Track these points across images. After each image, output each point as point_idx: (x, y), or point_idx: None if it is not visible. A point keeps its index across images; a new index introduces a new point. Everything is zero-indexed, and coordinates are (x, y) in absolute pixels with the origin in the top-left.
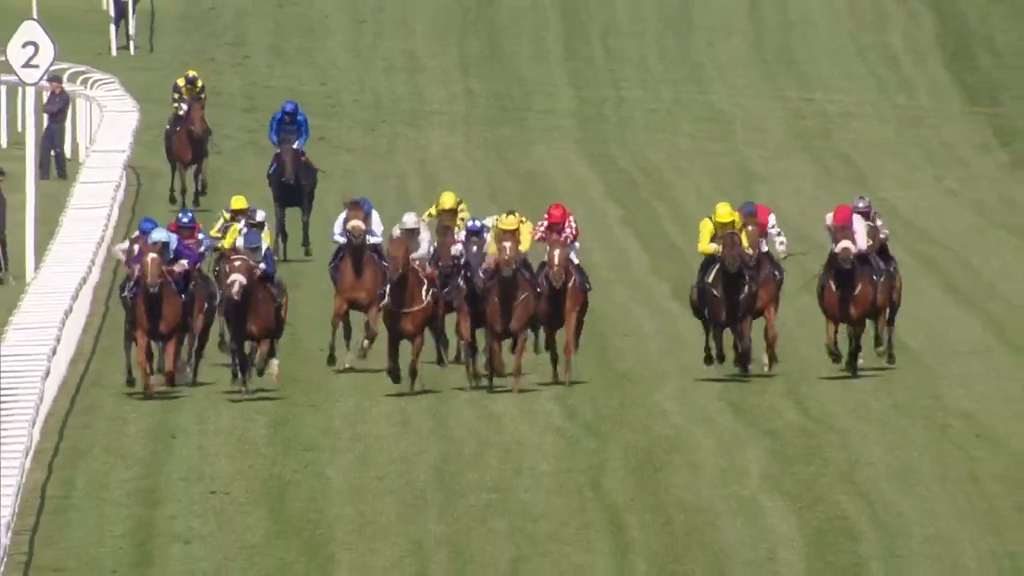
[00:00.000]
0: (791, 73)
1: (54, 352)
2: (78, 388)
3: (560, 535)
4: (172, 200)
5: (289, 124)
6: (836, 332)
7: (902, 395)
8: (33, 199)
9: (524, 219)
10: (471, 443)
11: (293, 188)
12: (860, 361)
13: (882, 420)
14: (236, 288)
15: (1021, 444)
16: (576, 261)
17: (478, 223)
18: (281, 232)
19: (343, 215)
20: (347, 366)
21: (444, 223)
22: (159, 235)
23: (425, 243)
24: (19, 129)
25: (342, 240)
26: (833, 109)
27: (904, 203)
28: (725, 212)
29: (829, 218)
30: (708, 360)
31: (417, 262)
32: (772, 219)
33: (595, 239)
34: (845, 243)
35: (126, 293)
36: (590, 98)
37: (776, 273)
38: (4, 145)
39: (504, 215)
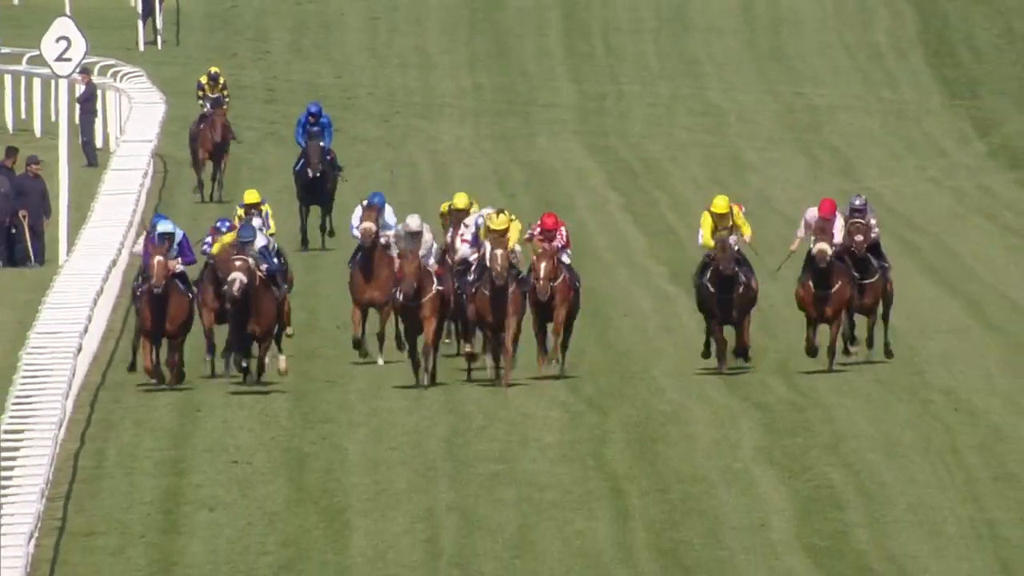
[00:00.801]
0: (782, 69)
1: (86, 330)
2: (108, 364)
3: (564, 503)
4: (201, 186)
5: (313, 125)
6: (815, 332)
7: (885, 372)
8: (66, 186)
9: (513, 217)
10: (479, 417)
11: (316, 183)
12: (842, 355)
13: (867, 395)
14: (237, 286)
15: (998, 418)
16: (567, 261)
17: (489, 210)
18: (303, 226)
19: (359, 211)
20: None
21: (455, 222)
22: (165, 227)
23: (428, 245)
24: (52, 119)
25: (358, 236)
26: (822, 103)
27: (888, 191)
28: (721, 204)
29: (812, 212)
30: (707, 354)
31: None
32: (741, 212)
33: (596, 225)
34: (822, 245)
35: (137, 290)
36: (591, 93)
37: (740, 274)
38: (39, 135)
39: (494, 214)
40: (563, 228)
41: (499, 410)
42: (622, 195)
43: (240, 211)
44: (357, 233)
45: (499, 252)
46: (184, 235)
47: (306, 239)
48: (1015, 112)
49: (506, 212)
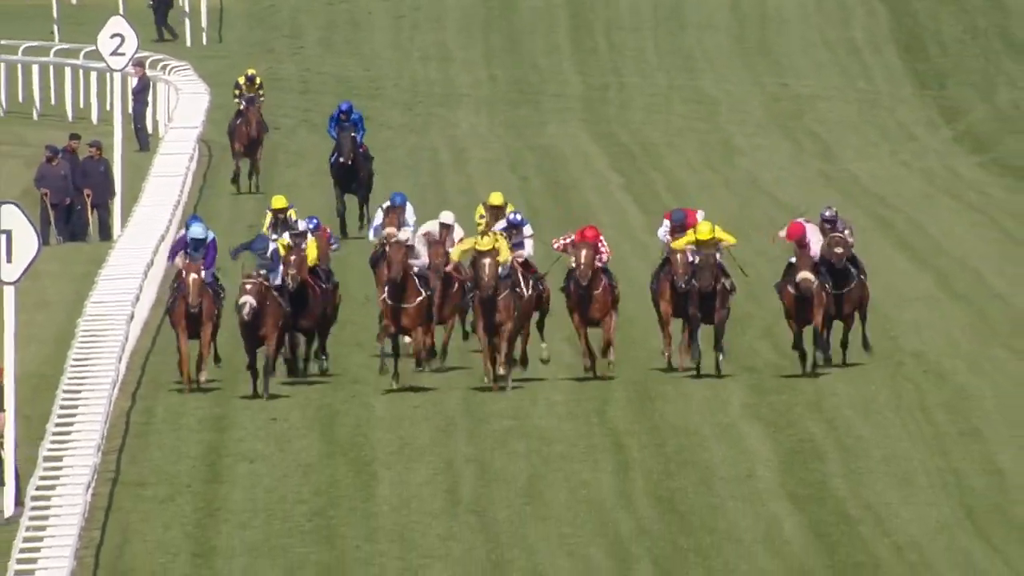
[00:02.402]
0: (768, 62)
1: (137, 299)
2: (158, 330)
3: (570, 455)
4: (237, 177)
5: (345, 122)
6: (801, 333)
7: (862, 337)
8: (120, 168)
9: (500, 236)
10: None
11: (350, 172)
12: (827, 357)
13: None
14: (247, 311)
15: (963, 379)
16: (605, 259)
17: (518, 216)
18: (341, 212)
19: (380, 217)
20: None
21: (492, 219)
22: (197, 231)
23: (423, 256)
24: (108, 108)
25: (376, 241)
26: (804, 93)
27: (864, 173)
28: (705, 230)
29: (782, 233)
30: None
31: (416, 269)
32: (701, 215)
33: (600, 204)
34: (805, 274)
35: (171, 300)
36: (595, 84)
37: (726, 284)
38: (95, 122)
39: (480, 237)
40: (602, 239)
41: (512, 372)
42: (623, 176)
43: (269, 214)
44: (373, 237)
45: (487, 261)
46: (214, 238)
47: (344, 227)
48: (978, 101)
49: (492, 234)
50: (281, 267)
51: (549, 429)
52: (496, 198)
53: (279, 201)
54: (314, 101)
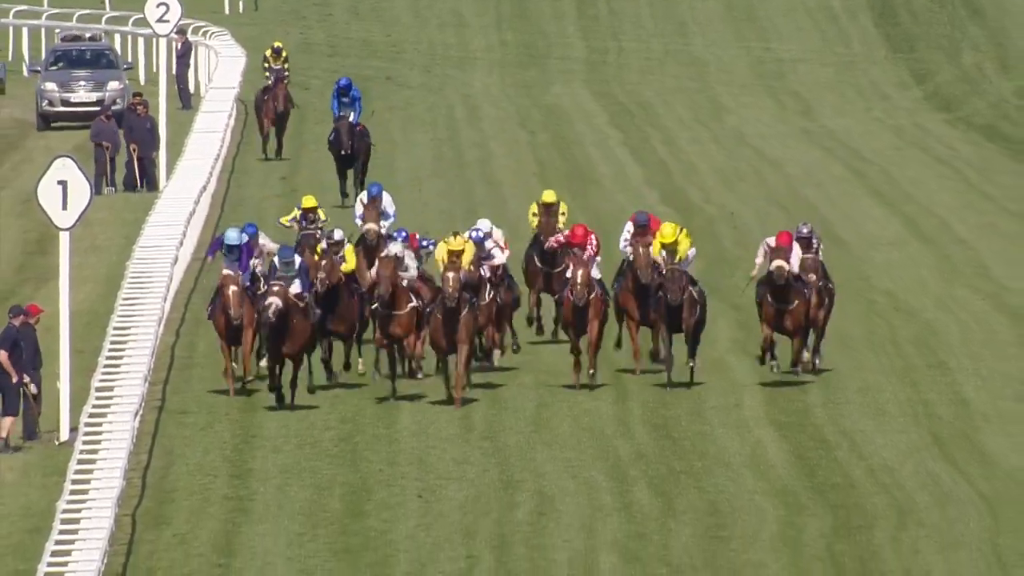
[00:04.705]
0: (754, 28)
1: (181, 244)
2: (200, 271)
3: (573, 386)
4: (266, 144)
5: (344, 97)
6: (772, 338)
7: (838, 277)
8: (164, 125)
9: (468, 239)
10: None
11: (348, 157)
12: (799, 367)
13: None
14: (273, 310)
15: (930, 315)
16: (598, 276)
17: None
18: (343, 188)
19: (359, 208)
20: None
21: (545, 215)
22: (231, 235)
23: (412, 268)
24: (154, 70)
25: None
26: (786, 56)
27: (840, 129)
28: (669, 232)
29: (771, 241)
30: (654, 357)
31: (406, 282)
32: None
33: (600, 157)
34: (779, 262)
35: (210, 307)
36: (597, 48)
37: (694, 293)
38: (143, 83)
39: (452, 236)
40: (593, 237)
41: (520, 318)
42: (621, 132)
43: (296, 211)
44: (358, 221)
45: (451, 275)
46: (246, 244)
47: (344, 194)
48: (946, 64)
49: (462, 235)
50: (309, 274)
51: (555, 364)
52: (549, 196)
53: (309, 200)
54: (341, 64)
